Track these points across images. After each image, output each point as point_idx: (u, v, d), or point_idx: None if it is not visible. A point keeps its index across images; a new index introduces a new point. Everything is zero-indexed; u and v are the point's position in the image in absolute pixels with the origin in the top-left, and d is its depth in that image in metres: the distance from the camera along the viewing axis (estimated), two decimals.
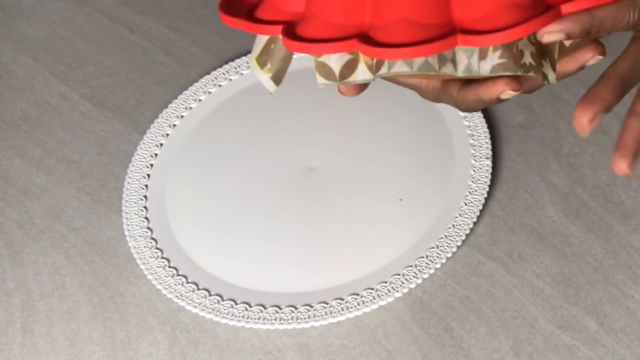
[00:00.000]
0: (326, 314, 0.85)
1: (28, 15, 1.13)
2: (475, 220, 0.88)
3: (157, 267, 0.90)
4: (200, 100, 1.02)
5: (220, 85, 1.03)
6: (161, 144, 0.99)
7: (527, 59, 0.69)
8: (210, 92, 1.03)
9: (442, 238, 0.88)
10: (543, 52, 0.70)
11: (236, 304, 0.87)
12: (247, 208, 0.93)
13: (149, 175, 0.97)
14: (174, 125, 1.00)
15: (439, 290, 0.86)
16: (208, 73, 1.04)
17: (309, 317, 0.85)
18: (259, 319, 0.86)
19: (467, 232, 0.88)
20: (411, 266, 0.87)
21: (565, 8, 0.67)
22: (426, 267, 0.86)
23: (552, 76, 0.71)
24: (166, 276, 0.90)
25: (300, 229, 0.91)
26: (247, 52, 1.06)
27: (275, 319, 0.86)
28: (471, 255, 0.88)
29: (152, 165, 0.98)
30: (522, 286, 0.85)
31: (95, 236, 0.94)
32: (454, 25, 0.67)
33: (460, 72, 0.68)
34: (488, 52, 0.68)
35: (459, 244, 0.87)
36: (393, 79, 0.74)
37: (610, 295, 0.84)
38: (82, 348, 0.87)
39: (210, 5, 1.11)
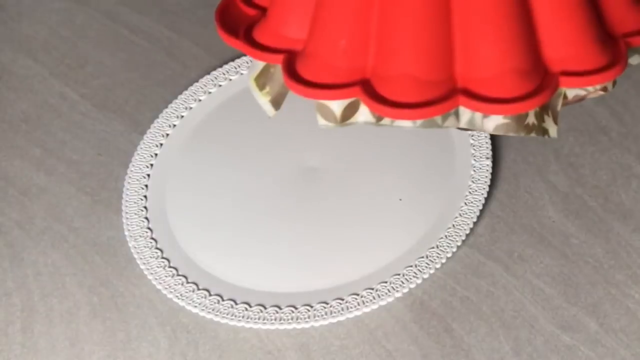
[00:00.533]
0: (326, 314, 0.85)
1: (28, 15, 1.13)
2: (475, 220, 0.88)
3: (157, 267, 0.90)
4: (200, 100, 1.02)
5: (220, 85, 1.03)
6: (161, 144, 0.99)
7: (531, 119, 0.67)
8: (210, 92, 1.03)
9: (442, 238, 0.88)
10: (546, 107, 0.68)
11: (236, 304, 0.87)
12: (247, 208, 0.93)
13: (149, 175, 0.97)
14: (174, 125, 1.00)
15: (439, 290, 0.86)
16: (208, 73, 1.04)
17: (309, 317, 0.85)
18: (259, 319, 0.86)
19: (467, 232, 0.88)
20: (411, 266, 0.87)
21: (564, 82, 0.65)
22: (426, 267, 0.86)
23: (553, 131, 0.69)
24: (166, 276, 0.90)
25: (300, 229, 0.91)
26: None
27: (275, 319, 0.86)
28: (471, 255, 0.88)
29: (152, 165, 0.98)
30: (522, 286, 0.85)
31: (95, 236, 0.94)
32: (456, 81, 0.65)
33: (463, 124, 0.67)
34: None
35: (459, 244, 0.87)
36: None
37: (610, 295, 0.84)
38: (82, 348, 0.87)
39: (210, 5, 1.11)
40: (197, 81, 1.04)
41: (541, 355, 0.81)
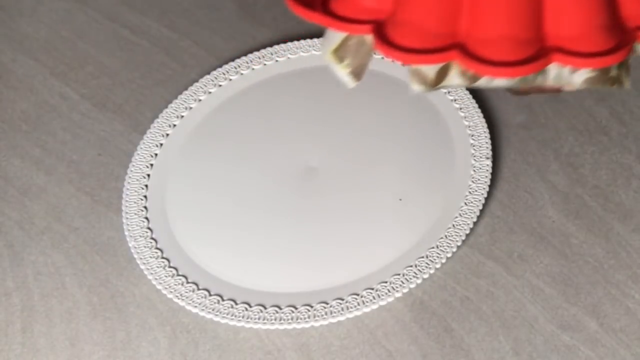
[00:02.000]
0: (326, 314, 0.85)
1: (28, 15, 1.13)
2: (475, 220, 0.88)
3: (157, 267, 0.90)
4: (200, 100, 1.02)
5: (220, 85, 1.03)
6: (161, 144, 0.99)
7: (613, 72, 0.71)
8: (210, 92, 1.03)
9: (442, 238, 0.88)
10: (625, 60, 0.72)
11: (236, 304, 0.87)
12: (247, 208, 0.93)
13: (149, 175, 0.97)
14: (174, 125, 1.00)
15: (439, 290, 0.86)
16: (208, 73, 1.04)
17: (309, 317, 0.85)
18: (259, 319, 0.86)
19: (467, 232, 0.88)
20: (411, 266, 0.87)
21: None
22: (426, 267, 0.86)
23: (627, 83, 0.73)
24: (166, 276, 0.90)
25: (300, 228, 0.91)
26: (247, 52, 1.06)
27: (275, 319, 0.86)
28: (471, 255, 0.88)
29: (152, 165, 0.98)
30: (522, 286, 0.85)
31: (95, 236, 0.94)
32: (546, 40, 0.68)
33: (551, 80, 0.70)
34: None
35: (459, 244, 0.87)
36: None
37: (610, 295, 0.84)
38: (82, 348, 0.87)
39: (210, 5, 1.11)
40: (197, 81, 1.04)
41: (541, 355, 0.81)
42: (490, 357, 0.82)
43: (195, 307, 0.87)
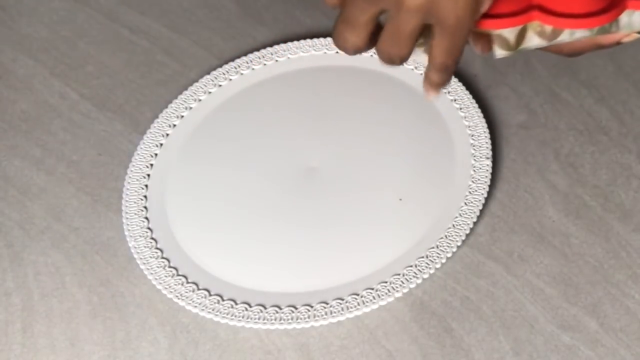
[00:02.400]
0: (326, 314, 0.85)
1: (28, 15, 1.13)
2: (475, 220, 0.88)
3: (157, 267, 0.90)
4: (200, 100, 1.02)
5: (220, 85, 1.03)
6: (161, 144, 0.99)
7: None
8: (210, 92, 1.03)
9: (442, 238, 0.88)
10: None
11: (236, 304, 0.87)
12: (247, 208, 0.93)
13: (149, 175, 0.97)
14: (174, 125, 1.00)
15: (439, 290, 0.86)
16: (208, 73, 1.04)
17: (309, 317, 0.85)
18: (259, 319, 0.86)
19: (467, 232, 0.88)
20: (411, 266, 0.87)
21: None
22: (426, 267, 0.86)
23: None
24: (166, 276, 0.90)
25: (300, 228, 0.91)
26: (247, 52, 1.06)
27: (275, 319, 0.86)
28: (471, 255, 0.88)
29: (152, 165, 0.98)
30: (522, 286, 0.85)
31: (95, 236, 0.94)
32: None
33: (622, 29, 0.75)
34: None
35: (459, 244, 0.87)
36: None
37: (610, 295, 0.84)
38: (82, 348, 0.87)
39: (210, 5, 1.11)
40: (197, 81, 1.04)
41: (541, 355, 0.81)
42: (490, 357, 0.82)
43: (195, 307, 0.87)
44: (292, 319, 0.85)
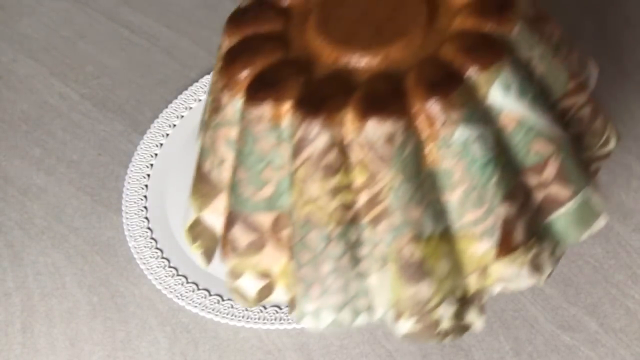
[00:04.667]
0: None
1: (28, 15, 1.13)
2: None
3: (157, 267, 0.90)
4: (200, 100, 1.02)
5: None
6: (161, 144, 0.99)
7: (444, 325, 0.73)
8: None
9: None
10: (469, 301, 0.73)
11: (236, 303, 0.87)
12: None
13: (149, 175, 0.97)
14: (174, 125, 1.01)
15: None
16: (208, 73, 1.04)
17: None
18: (259, 319, 0.86)
19: None
20: None
21: None
22: None
23: (479, 325, 0.74)
24: (166, 276, 0.90)
25: None
26: None
27: (275, 319, 0.86)
28: None
29: (152, 165, 0.98)
30: None
31: (95, 236, 0.94)
32: None
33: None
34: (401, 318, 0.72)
35: None
36: None
37: (610, 295, 0.84)
38: (82, 348, 0.87)
39: (210, 5, 1.11)
40: (197, 81, 1.04)
41: (541, 355, 0.81)
42: (490, 357, 0.82)
43: (195, 307, 0.87)
44: (292, 319, 0.85)
